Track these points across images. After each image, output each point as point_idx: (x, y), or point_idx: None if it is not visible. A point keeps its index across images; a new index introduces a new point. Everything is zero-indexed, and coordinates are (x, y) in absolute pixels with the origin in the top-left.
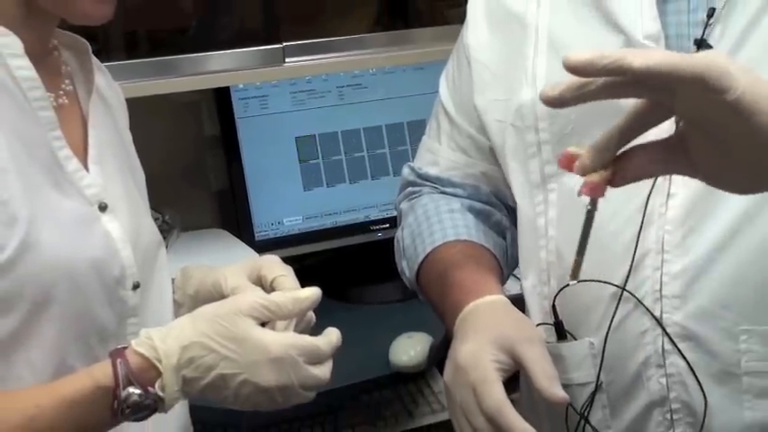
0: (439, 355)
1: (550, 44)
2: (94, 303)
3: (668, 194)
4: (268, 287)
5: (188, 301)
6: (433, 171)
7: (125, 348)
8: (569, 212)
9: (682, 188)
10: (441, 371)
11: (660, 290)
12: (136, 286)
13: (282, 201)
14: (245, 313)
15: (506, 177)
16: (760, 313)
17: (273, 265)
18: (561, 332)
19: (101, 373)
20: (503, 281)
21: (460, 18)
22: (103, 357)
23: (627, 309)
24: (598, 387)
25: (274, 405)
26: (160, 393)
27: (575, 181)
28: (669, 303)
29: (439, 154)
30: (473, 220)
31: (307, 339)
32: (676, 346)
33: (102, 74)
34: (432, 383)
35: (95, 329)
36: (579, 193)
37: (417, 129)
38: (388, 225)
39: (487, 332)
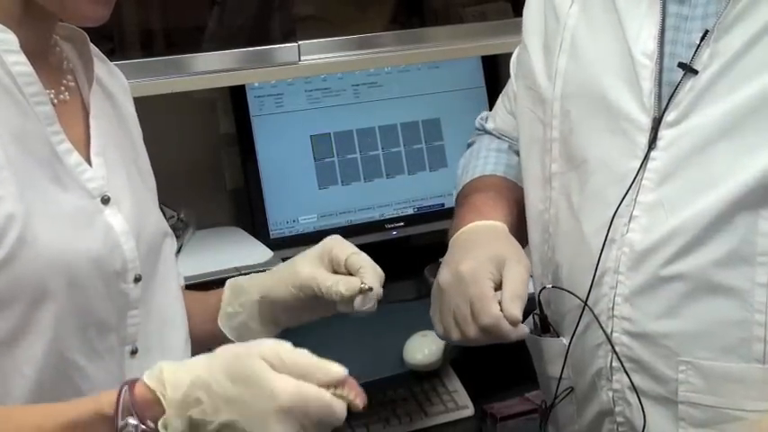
0: (453, 353)
1: (572, 44)
2: (94, 297)
3: (631, 216)
4: (342, 267)
5: (253, 308)
6: (489, 125)
7: (138, 380)
8: (563, 213)
9: (643, 212)
10: (455, 370)
11: (612, 309)
12: (137, 279)
13: (297, 199)
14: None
15: (522, 165)
16: (698, 347)
17: (343, 244)
18: (545, 325)
19: (106, 400)
20: (519, 214)
21: (476, 17)
22: (104, 351)
23: (590, 319)
24: (570, 385)
25: None
26: (161, 430)
27: (570, 182)
28: (619, 324)
29: (497, 112)
30: (516, 159)
31: (322, 398)
32: (623, 365)
33: (102, 63)
34: (446, 382)
35: (95, 323)
36: None
37: (432, 127)
38: (402, 223)
39: (486, 251)
